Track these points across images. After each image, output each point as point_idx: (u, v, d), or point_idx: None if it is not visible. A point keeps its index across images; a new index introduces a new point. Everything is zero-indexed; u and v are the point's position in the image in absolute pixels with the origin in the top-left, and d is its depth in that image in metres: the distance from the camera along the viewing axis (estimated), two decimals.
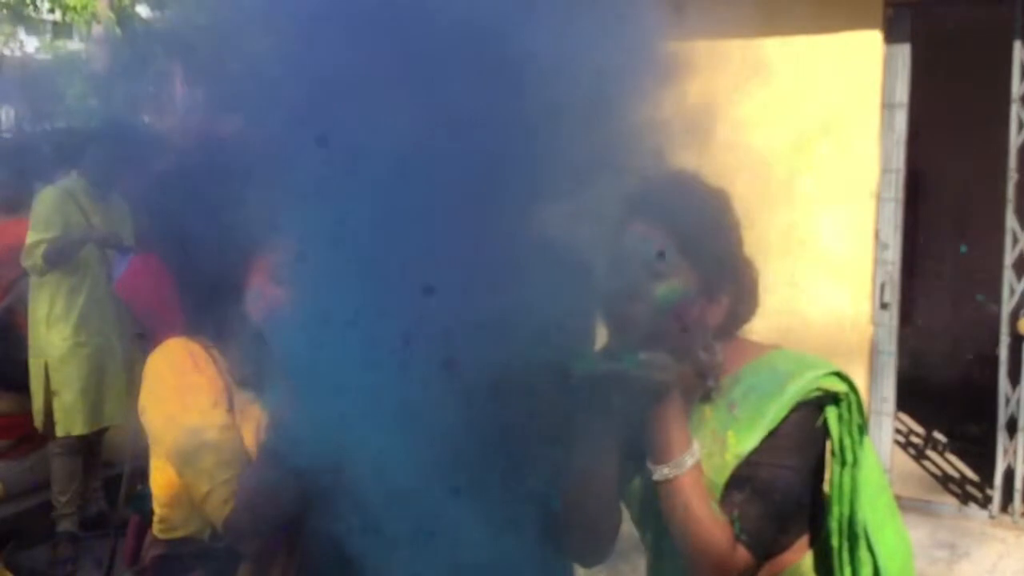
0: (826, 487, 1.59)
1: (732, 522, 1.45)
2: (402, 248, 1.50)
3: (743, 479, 1.47)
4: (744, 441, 1.47)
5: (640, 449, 1.47)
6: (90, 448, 4.59)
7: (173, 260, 1.91)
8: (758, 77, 4.73)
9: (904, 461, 5.37)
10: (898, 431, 5.44)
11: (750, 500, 1.46)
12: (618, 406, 1.43)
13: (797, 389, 1.48)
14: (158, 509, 1.75)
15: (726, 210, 1.57)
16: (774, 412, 1.47)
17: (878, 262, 4.64)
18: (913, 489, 4.96)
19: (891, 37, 4.53)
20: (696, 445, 1.45)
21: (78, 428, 4.42)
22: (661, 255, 1.49)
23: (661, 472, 1.43)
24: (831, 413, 1.50)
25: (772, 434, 1.47)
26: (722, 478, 1.47)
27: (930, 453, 5.53)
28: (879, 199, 4.62)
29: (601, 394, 1.42)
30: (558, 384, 1.44)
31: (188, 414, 1.66)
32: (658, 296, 1.48)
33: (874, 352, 4.69)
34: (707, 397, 1.53)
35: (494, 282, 1.62)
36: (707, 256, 1.51)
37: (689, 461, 1.44)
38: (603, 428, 1.48)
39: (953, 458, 5.44)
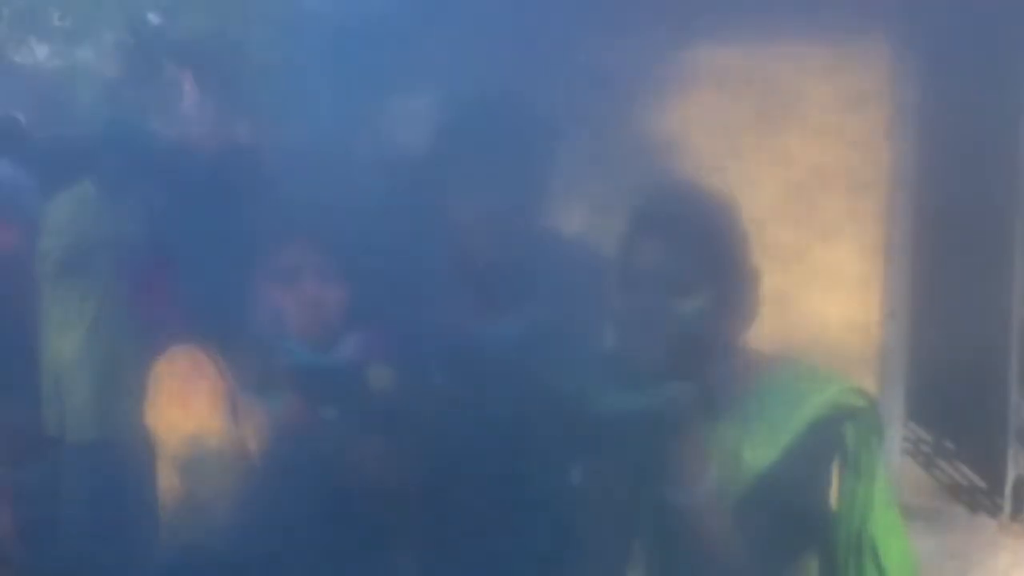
0: (833, 499, 1.59)
1: (749, 540, 1.43)
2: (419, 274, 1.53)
3: (760, 496, 1.46)
4: (761, 457, 1.46)
5: (649, 474, 1.45)
6: (102, 454, 4.59)
7: (181, 266, 1.93)
8: (763, 84, 4.73)
9: (913, 469, 5.35)
10: (907, 439, 5.42)
11: (768, 518, 1.46)
12: (639, 438, 1.40)
13: (815, 405, 1.47)
14: (164, 517, 1.76)
15: (736, 220, 1.55)
16: (791, 428, 1.46)
17: (887, 269, 4.63)
18: (923, 497, 4.94)
19: (900, 43, 4.52)
20: (713, 468, 1.43)
21: (89, 434, 4.43)
22: (681, 272, 1.46)
23: (679, 498, 1.41)
24: (849, 428, 1.49)
25: (789, 450, 1.46)
26: (737, 494, 1.46)
27: (939, 461, 5.51)
28: (888, 206, 4.61)
29: (624, 430, 1.40)
30: (580, 423, 1.43)
31: (190, 421, 1.68)
32: (680, 315, 1.46)
33: (883, 359, 4.68)
34: (720, 411, 1.50)
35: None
36: (723, 269, 1.49)
37: (708, 485, 1.41)
38: (619, 461, 1.47)
39: (963, 466, 5.41)
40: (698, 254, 1.47)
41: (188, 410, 1.67)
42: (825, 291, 4.67)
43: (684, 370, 1.45)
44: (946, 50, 4.54)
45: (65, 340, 4.43)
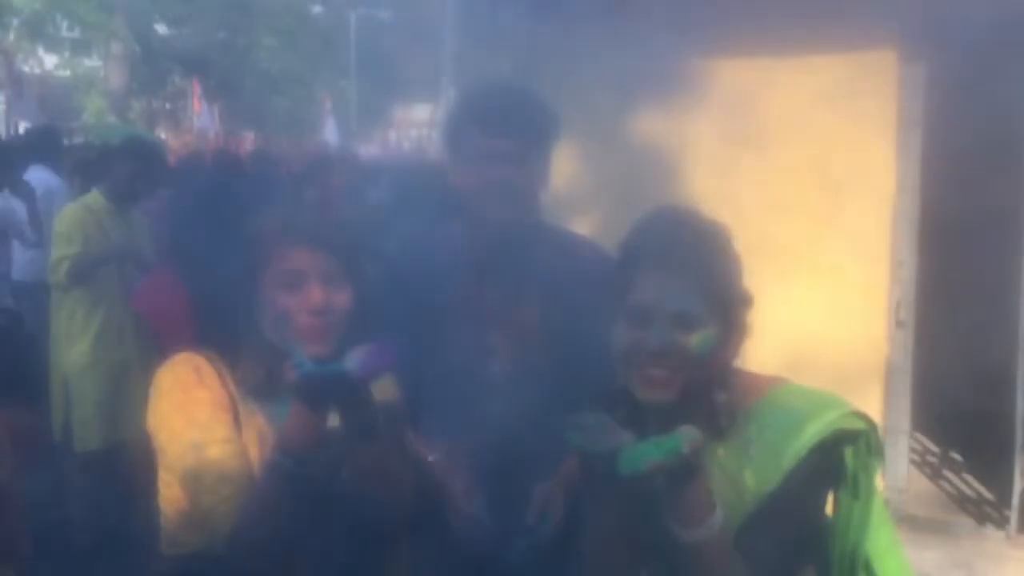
0: (829, 515, 1.58)
1: (749, 562, 1.42)
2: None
3: (763, 523, 1.45)
4: (763, 482, 1.45)
5: (659, 516, 1.43)
6: (107, 462, 4.60)
7: (188, 274, 1.93)
8: (772, 95, 4.74)
9: (920, 481, 5.33)
10: (914, 450, 5.40)
11: (771, 543, 1.45)
12: (653, 487, 1.39)
13: (816, 430, 1.46)
14: (165, 525, 1.75)
15: (730, 243, 1.54)
16: (793, 453, 1.45)
17: (894, 280, 4.62)
18: (930, 509, 4.92)
19: (906, 55, 4.52)
20: (720, 506, 1.42)
21: (95, 443, 4.44)
22: (692, 304, 1.45)
23: (688, 536, 1.40)
24: (848, 451, 1.49)
25: (791, 475, 1.45)
26: (739, 520, 1.45)
27: (946, 473, 5.49)
28: (895, 217, 4.61)
29: (640, 484, 1.38)
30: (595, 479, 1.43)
31: (191, 429, 1.67)
32: (693, 349, 1.44)
33: (889, 371, 4.67)
34: (719, 436, 1.49)
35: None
36: (724, 295, 1.48)
37: (717, 522, 1.40)
38: (631, 507, 1.45)
39: (970, 478, 5.39)
40: (704, 286, 1.46)
41: (190, 418, 1.67)
42: (832, 302, 4.66)
43: (692, 399, 1.45)
44: (953, 61, 4.54)
45: (73, 349, 4.45)
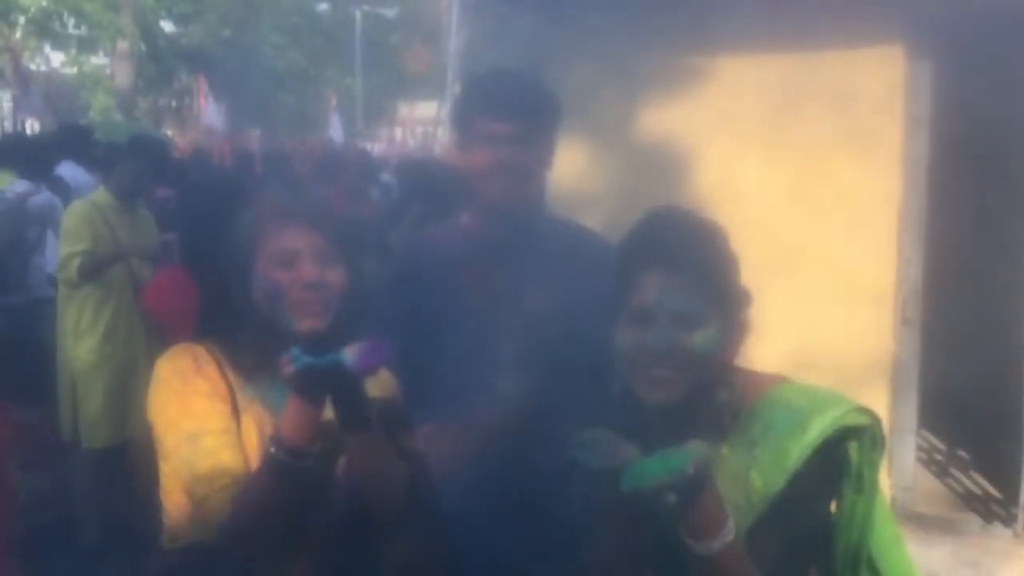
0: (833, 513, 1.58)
1: (756, 561, 1.42)
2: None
3: (771, 524, 1.45)
4: (770, 483, 1.45)
5: (661, 526, 1.43)
6: (115, 459, 4.62)
7: (194, 268, 1.93)
8: (778, 93, 4.73)
9: (927, 479, 5.32)
10: (921, 448, 5.39)
11: (780, 544, 1.45)
12: (659, 502, 1.38)
13: (821, 429, 1.45)
14: (165, 519, 1.74)
15: (728, 242, 1.54)
16: (798, 452, 1.45)
17: (901, 278, 4.61)
18: (936, 507, 4.91)
19: (913, 53, 4.51)
20: (731, 517, 1.41)
21: (102, 440, 4.45)
22: (693, 303, 1.45)
23: (702, 549, 1.39)
24: (853, 447, 1.48)
25: (797, 475, 1.45)
26: (747, 522, 1.45)
27: (954, 471, 5.48)
28: (901, 215, 4.60)
29: (650, 499, 1.38)
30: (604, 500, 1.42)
31: (187, 419, 1.67)
32: (696, 348, 1.44)
33: (896, 368, 4.66)
34: (723, 437, 1.48)
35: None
36: (724, 294, 1.48)
37: (731, 532, 1.39)
38: (642, 521, 1.44)
39: (977, 476, 5.38)
40: (704, 285, 1.46)
41: (186, 408, 1.67)
42: (839, 300, 4.65)
43: (695, 400, 1.45)
44: (960, 59, 4.53)
45: (82, 346, 4.46)
